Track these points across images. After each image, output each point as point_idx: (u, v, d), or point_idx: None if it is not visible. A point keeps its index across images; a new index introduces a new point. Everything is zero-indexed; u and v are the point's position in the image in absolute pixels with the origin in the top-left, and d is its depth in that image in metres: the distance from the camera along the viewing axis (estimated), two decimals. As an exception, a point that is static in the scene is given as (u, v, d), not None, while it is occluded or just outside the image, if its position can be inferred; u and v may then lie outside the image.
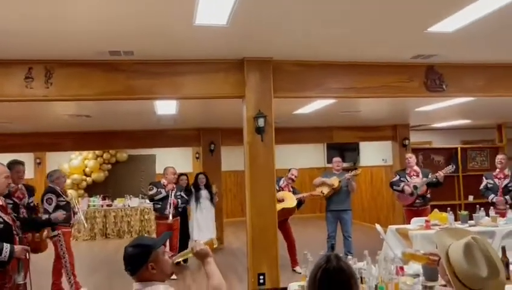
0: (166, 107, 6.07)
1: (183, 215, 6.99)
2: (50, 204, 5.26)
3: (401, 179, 6.73)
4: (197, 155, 10.98)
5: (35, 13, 3.10)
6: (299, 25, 3.54)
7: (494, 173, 6.38)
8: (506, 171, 6.27)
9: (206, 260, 2.12)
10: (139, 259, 2.04)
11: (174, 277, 5.94)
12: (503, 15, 3.35)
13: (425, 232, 5.04)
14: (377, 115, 8.14)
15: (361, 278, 2.87)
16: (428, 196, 6.62)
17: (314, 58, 4.52)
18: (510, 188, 6.12)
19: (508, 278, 3.10)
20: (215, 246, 2.20)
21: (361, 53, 4.41)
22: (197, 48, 4.06)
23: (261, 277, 4.37)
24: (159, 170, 11.93)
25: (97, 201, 10.60)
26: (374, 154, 10.82)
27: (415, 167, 6.67)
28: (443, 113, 7.71)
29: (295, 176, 6.61)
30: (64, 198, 5.47)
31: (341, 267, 1.66)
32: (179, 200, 6.50)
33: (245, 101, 4.47)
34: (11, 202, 4.64)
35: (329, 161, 7.13)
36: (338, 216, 6.73)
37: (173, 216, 6.33)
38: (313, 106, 6.43)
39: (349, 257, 4.51)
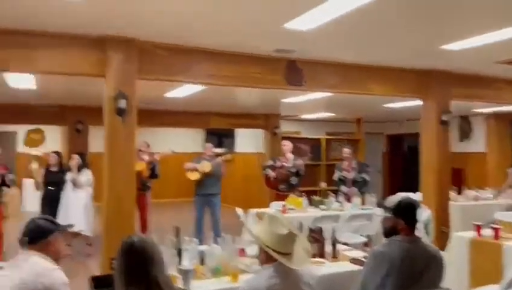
0: (20, 81, 5.55)
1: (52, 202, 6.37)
2: None
3: (273, 164, 7.21)
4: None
5: None
6: (159, 7, 3.48)
7: (343, 166, 7.00)
8: (353, 164, 6.98)
9: None
10: (44, 231, 2.26)
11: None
12: (352, 18, 3.65)
13: (279, 216, 5.42)
14: (249, 104, 8.46)
15: (202, 259, 3.02)
16: (293, 182, 7.12)
17: (180, 43, 4.51)
18: (357, 180, 6.84)
19: (335, 257, 3.52)
20: None
21: (226, 42, 4.52)
22: (52, 21, 3.76)
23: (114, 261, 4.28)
24: (21, 148, 10.93)
25: None
26: (248, 141, 11.25)
27: (288, 154, 7.13)
28: (308, 105, 8.31)
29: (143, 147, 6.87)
30: None
31: (134, 242, 1.98)
32: None
33: (105, 80, 4.29)
34: None
35: (208, 146, 7.35)
36: (207, 200, 6.93)
37: None
38: (184, 90, 6.45)
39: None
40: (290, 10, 3.58)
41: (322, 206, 6.18)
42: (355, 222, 5.93)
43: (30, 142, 9.72)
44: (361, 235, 5.94)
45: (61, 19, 3.74)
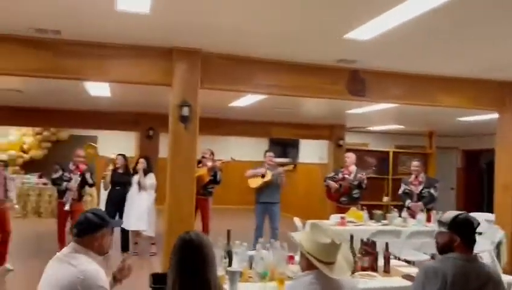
0: (98, 89, 6.04)
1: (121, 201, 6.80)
2: None
3: (335, 176, 7.10)
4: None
5: None
6: (224, 20, 3.67)
7: (410, 180, 6.66)
8: (421, 178, 6.65)
9: None
10: (92, 226, 2.29)
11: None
12: (418, 26, 3.54)
13: (337, 228, 5.33)
14: (313, 114, 8.44)
15: (250, 263, 3.08)
16: (356, 195, 6.96)
17: (242, 54, 4.66)
18: (423, 195, 6.51)
19: (387, 272, 3.41)
20: None
21: (287, 52, 4.60)
22: (123, 33, 4.10)
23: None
24: (100, 152, 11.78)
25: (32, 179, 10.36)
26: (312, 152, 11.19)
27: (351, 167, 6.99)
28: (375, 116, 8.11)
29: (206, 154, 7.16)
30: None
31: (192, 239, 1.98)
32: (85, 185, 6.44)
33: (171, 89, 4.55)
34: None
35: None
36: (267, 208, 7.00)
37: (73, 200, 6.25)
38: (246, 100, 6.61)
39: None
40: (350, 21, 3.58)
41: (384, 221, 5.98)
42: (417, 239, 5.66)
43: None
44: (424, 253, 5.67)
45: (130, 31, 4.05)
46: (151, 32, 4.06)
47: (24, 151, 11.31)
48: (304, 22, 3.63)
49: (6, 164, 6.25)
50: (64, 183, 6.27)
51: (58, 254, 2.32)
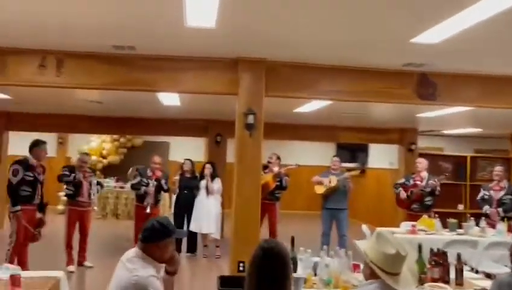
0: (170, 99, 6.37)
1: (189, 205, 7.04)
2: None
3: (405, 182, 6.84)
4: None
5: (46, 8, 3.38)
6: (288, 30, 3.73)
7: (490, 185, 6.35)
8: (503, 184, 6.24)
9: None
10: (157, 235, 2.36)
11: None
12: (492, 26, 3.37)
13: (406, 236, 5.14)
14: (382, 118, 8.21)
15: (315, 270, 3.09)
16: (428, 202, 6.67)
17: (306, 61, 4.70)
18: (504, 201, 6.10)
19: (460, 284, 3.26)
20: None
21: (352, 58, 4.56)
22: (192, 47, 4.32)
23: (241, 265, 4.60)
24: (172, 157, 12.37)
25: (111, 182, 11.10)
26: (382, 156, 10.86)
27: (423, 173, 6.71)
28: (449, 120, 7.72)
29: (272, 159, 7.19)
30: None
31: (272, 247, 1.99)
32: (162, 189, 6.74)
33: (237, 98, 4.70)
34: (32, 175, 5.11)
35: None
36: (334, 214, 6.92)
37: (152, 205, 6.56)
38: (312, 106, 6.60)
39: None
40: (417, 25, 3.48)
41: (459, 230, 5.66)
42: (497, 250, 5.28)
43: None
44: (505, 265, 5.29)
45: (198, 45, 4.25)
46: (218, 45, 4.24)
47: (103, 157, 12.15)
48: (369, 28, 3.59)
49: (93, 170, 6.76)
50: (143, 188, 6.63)
51: (124, 254, 2.44)
